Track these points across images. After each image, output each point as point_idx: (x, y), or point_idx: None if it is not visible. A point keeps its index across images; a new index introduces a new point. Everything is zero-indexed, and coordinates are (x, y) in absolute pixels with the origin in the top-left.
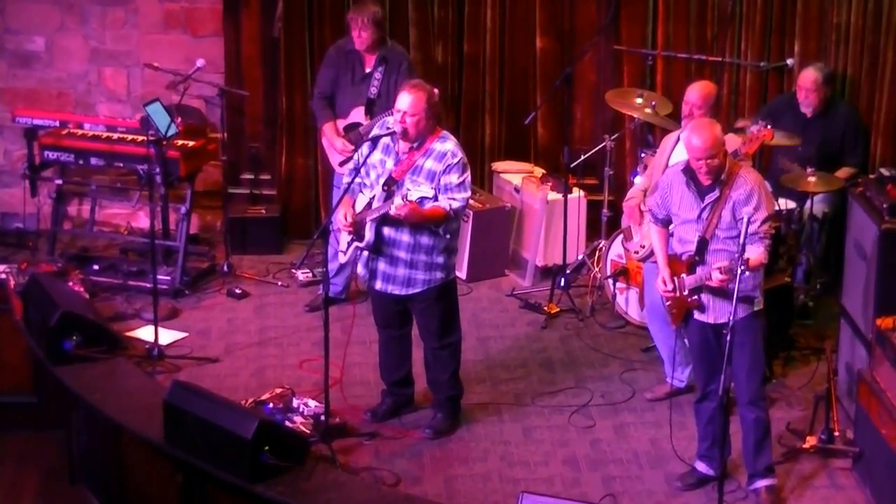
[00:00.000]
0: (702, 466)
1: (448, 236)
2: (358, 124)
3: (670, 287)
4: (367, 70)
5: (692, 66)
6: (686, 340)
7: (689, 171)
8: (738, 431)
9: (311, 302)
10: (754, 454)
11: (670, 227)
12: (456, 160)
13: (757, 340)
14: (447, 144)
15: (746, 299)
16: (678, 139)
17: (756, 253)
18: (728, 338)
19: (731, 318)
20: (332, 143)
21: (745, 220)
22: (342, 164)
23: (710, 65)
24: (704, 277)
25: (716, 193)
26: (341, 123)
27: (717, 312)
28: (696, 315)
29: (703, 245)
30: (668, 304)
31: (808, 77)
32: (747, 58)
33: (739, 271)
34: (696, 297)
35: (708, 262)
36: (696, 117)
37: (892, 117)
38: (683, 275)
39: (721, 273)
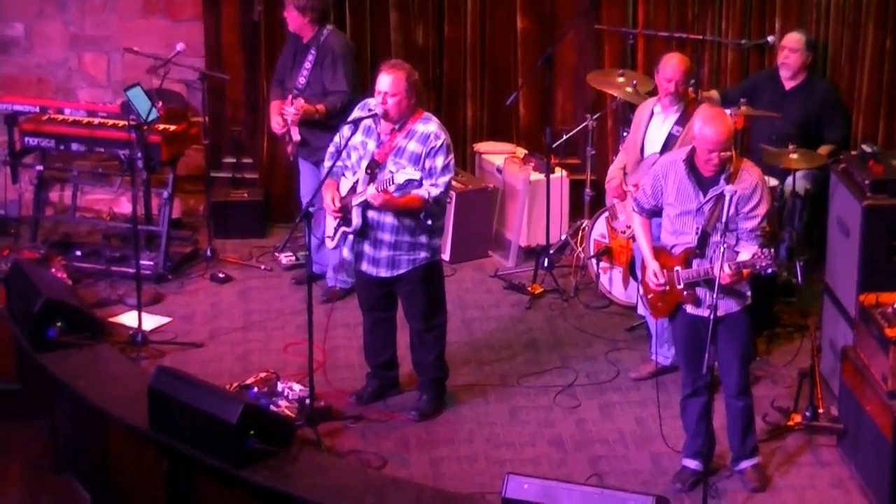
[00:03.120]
0: (694, 464)
1: (429, 222)
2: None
3: (662, 280)
4: (302, 57)
5: (673, 45)
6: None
7: (689, 162)
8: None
9: (298, 276)
10: (742, 439)
11: (657, 218)
12: (439, 142)
13: (748, 333)
14: (430, 126)
15: (740, 294)
16: (652, 112)
17: (751, 251)
18: (712, 320)
19: (715, 299)
20: (271, 119)
21: (733, 209)
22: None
23: (690, 43)
24: (706, 272)
25: (720, 186)
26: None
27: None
28: (690, 309)
29: (704, 238)
30: (650, 297)
31: (792, 37)
32: (728, 36)
33: (762, 269)
34: (691, 290)
35: (707, 256)
36: (680, 93)
37: (873, 94)
38: (678, 268)
39: (734, 268)
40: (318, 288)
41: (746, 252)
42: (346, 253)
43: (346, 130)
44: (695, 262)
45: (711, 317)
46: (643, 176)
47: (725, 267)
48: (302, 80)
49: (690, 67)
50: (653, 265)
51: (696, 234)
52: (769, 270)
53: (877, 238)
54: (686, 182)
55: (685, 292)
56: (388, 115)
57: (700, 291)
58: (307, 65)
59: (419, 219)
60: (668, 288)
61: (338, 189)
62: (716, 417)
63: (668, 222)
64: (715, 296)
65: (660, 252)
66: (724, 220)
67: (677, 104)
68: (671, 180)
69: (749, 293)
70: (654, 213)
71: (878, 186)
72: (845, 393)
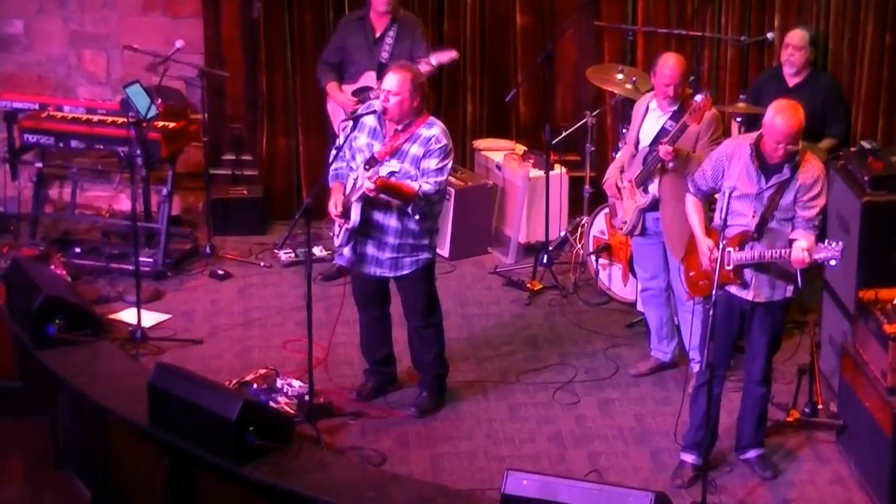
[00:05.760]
0: (691, 458)
1: (417, 217)
2: (368, 88)
3: (716, 255)
4: (378, 34)
5: (672, 42)
6: (679, 318)
7: (756, 147)
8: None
9: (326, 272)
10: (756, 427)
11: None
12: (439, 146)
13: (783, 323)
14: (433, 130)
15: (794, 280)
16: (648, 108)
17: (809, 241)
18: (712, 311)
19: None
20: (335, 97)
21: (727, 193)
22: (344, 120)
23: (690, 40)
24: (761, 256)
25: (784, 174)
26: (348, 88)
27: (758, 290)
28: (735, 291)
29: (763, 224)
30: (692, 274)
31: (796, 34)
32: (728, 32)
33: (829, 260)
34: (739, 272)
35: (764, 241)
36: (677, 94)
37: (873, 90)
38: (731, 249)
39: (808, 254)
40: (318, 288)
41: (804, 241)
42: (346, 251)
43: (347, 128)
44: (748, 246)
45: (711, 312)
46: (637, 171)
47: (802, 253)
48: (385, 55)
49: (687, 68)
50: (706, 241)
51: (754, 218)
52: (833, 262)
53: (876, 234)
54: (750, 166)
55: (732, 273)
56: (386, 112)
57: (748, 274)
58: (388, 40)
59: (407, 211)
60: (714, 265)
61: (344, 192)
62: (722, 412)
63: (729, 203)
64: (753, 277)
65: (711, 232)
66: (781, 207)
67: (675, 104)
68: (735, 163)
69: (800, 282)
70: (708, 195)
71: (878, 183)
72: (844, 389)
